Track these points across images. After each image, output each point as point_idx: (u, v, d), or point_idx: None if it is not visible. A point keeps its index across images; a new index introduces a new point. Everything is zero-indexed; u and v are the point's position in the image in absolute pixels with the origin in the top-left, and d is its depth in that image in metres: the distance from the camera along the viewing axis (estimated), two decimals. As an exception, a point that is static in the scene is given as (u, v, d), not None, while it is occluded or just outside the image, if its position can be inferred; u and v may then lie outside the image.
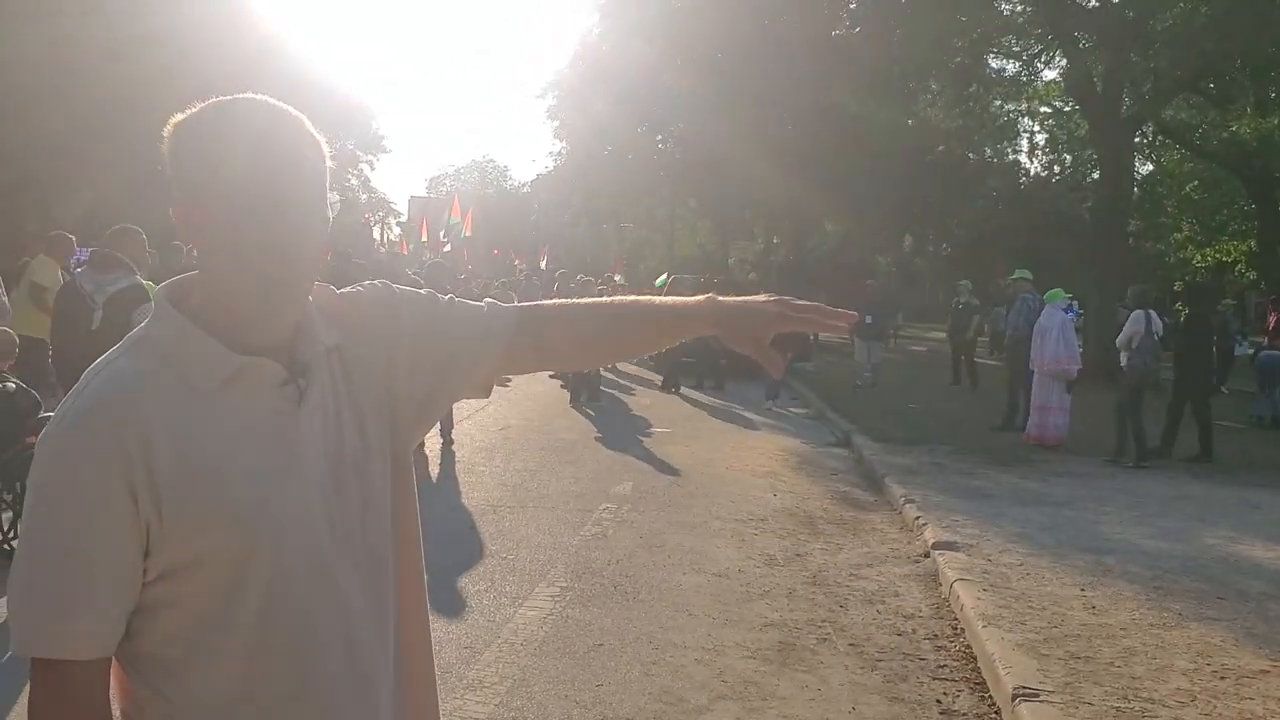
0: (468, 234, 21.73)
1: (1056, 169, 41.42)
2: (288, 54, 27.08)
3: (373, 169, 59.23)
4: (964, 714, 4.75)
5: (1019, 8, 21.82)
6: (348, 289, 1.56)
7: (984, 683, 5.09)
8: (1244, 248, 35.65)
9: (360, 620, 1.43)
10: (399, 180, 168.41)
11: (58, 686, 1.30)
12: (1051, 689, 4.70)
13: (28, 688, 1.34)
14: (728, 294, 1.68)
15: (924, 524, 7.89)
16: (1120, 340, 11.35)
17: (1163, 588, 6.46)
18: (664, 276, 27.21)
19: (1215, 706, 4.60)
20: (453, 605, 5.83)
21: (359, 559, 1.44)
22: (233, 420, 1.35)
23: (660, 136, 35.87)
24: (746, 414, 14.87)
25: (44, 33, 18.51)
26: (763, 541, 7.56)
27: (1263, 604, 6.21)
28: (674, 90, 29.12)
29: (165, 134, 1.37)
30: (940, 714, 4.73)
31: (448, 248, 27.39)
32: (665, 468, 10.32)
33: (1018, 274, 14.50)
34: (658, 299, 1.69)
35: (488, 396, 1.77)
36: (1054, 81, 27.72)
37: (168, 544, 1.31)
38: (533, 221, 67.42)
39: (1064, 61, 21.30)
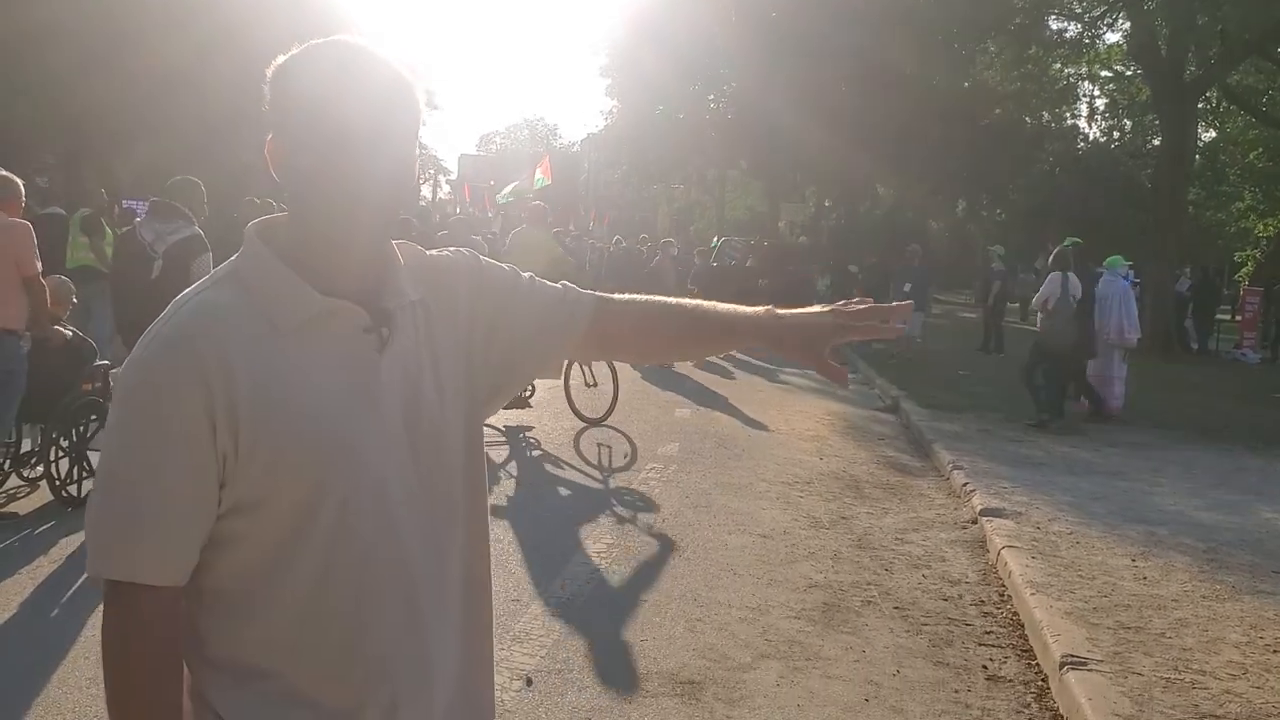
0: (547, 181, 21.77)
1: (1116, 135, 40.54)
2: (340, 13, 27.17)
3: (424, 125, 59.38)
4: (1010, 680, 4.73)
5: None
6: (435, 251, 1.59)
7: (1031, 650, 5.05)
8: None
9: (421, 564, 1.44)
10: (450, 138, 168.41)
11: (128, 611, 1.32)
12: (1100, 658, 4.65)
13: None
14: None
15: (972, 490, 7.83)
16: (1035, 302, 11.39)
17: (1216, 560, 6.37)
18: (717, 239, 27.06)
19: (1268, 680, 4.54)
20: (501, 558, 5.89)
21: (426, 507, 1.45)
22: (313, 360, 1.37)
23: (712, 96, 35.57)
24: (794, 378, 14.80)
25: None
26: (808, 504, 7.55)
27: (1319, 579, 6.11)
28: (727, 49, 28.83)
29: (266, 74, 1.38)
30: (986, 679, 4.71)
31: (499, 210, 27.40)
32: (711, 429, 10.31)
33: (1067, 241, 14.28)
34: (720, 306, 1.67)
35: (558, 378, 1.79)
36: (1116, 45, 27.05)
37: (242, 477, 1.32)
38: (583, 180, 67.33)
39: (1127, 24, 20.76)
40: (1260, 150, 31.22)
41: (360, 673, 1.39)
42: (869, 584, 5.85)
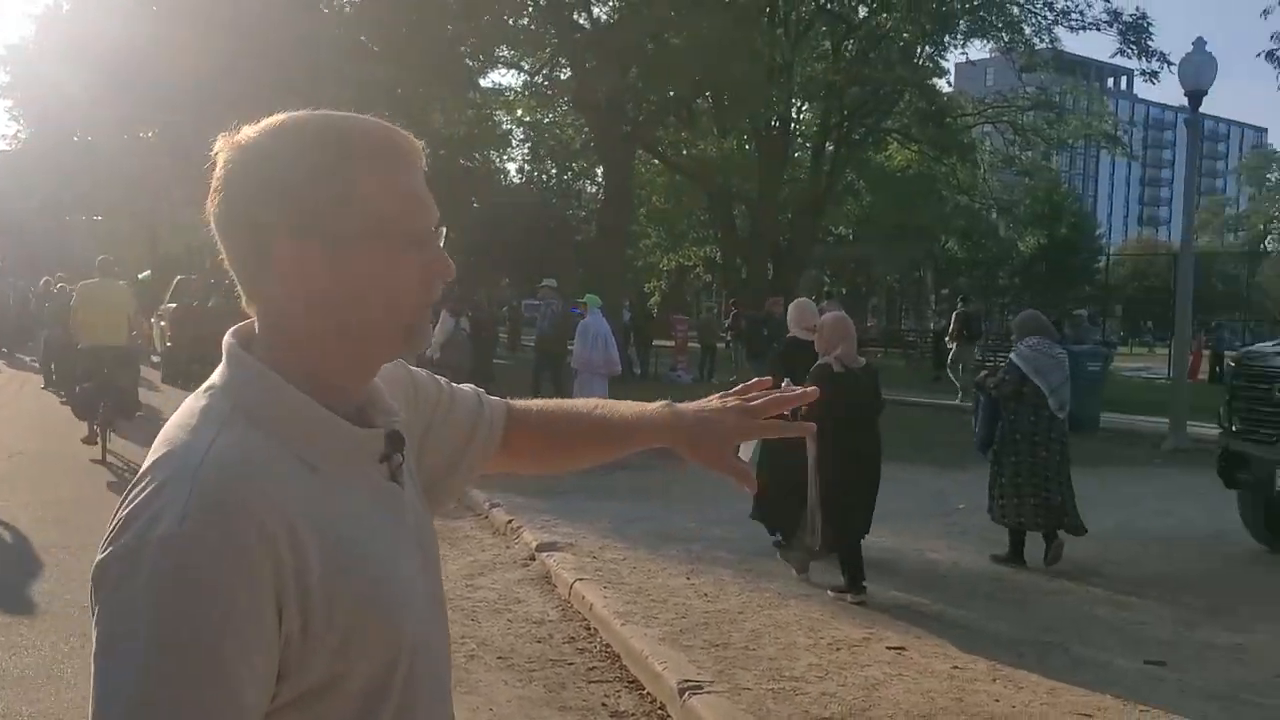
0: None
1: (544, 178, 43.51)
2: None
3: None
4: (633, 713, 4.89)
5: (524, 22, 22.64)
6: None
7: (637, 680, 5.25)
8: (702, 254, 40.07)
9: (448, 700, 1.27)
10: None
11: None
12: (711, 679, 4.96)
13: None
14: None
15: (519, 527, 7.98)
16: (435, 341, 12.80)
17: (753, 569, 7.06)
18: (146, 272, 24.92)
19: (846, 677, 5.11)
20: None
21: (444, 636, 1.28)
22: (357, 504, 1.12)
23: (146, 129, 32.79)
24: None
25: None
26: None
27: (834, 575, 6.98)
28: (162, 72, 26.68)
29: (254, 154, 1.11)
30: (611, 716, 4.82)
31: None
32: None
33: (545, 282, 15.21)
34: (621, 405, 1.56)
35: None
36: (548, 93, 29.07)
37: (309, 664, 1.03)
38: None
39: (569, 75, 22.49)
40: (659, 193, 35.03)
41: None
42: (465, 637, 5.72)
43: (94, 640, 0.99)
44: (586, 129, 22.63)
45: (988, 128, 34.41)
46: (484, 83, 28.90)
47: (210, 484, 1.00)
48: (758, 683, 4.98)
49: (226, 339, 1.16)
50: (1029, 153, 35.18)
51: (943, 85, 29.76)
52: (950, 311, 27.44)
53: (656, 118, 21.25)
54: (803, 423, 1.63)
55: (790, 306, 8.25)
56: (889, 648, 5.55)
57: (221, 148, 1.13)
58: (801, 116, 31.66)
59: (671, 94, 20.32)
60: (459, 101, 26.54)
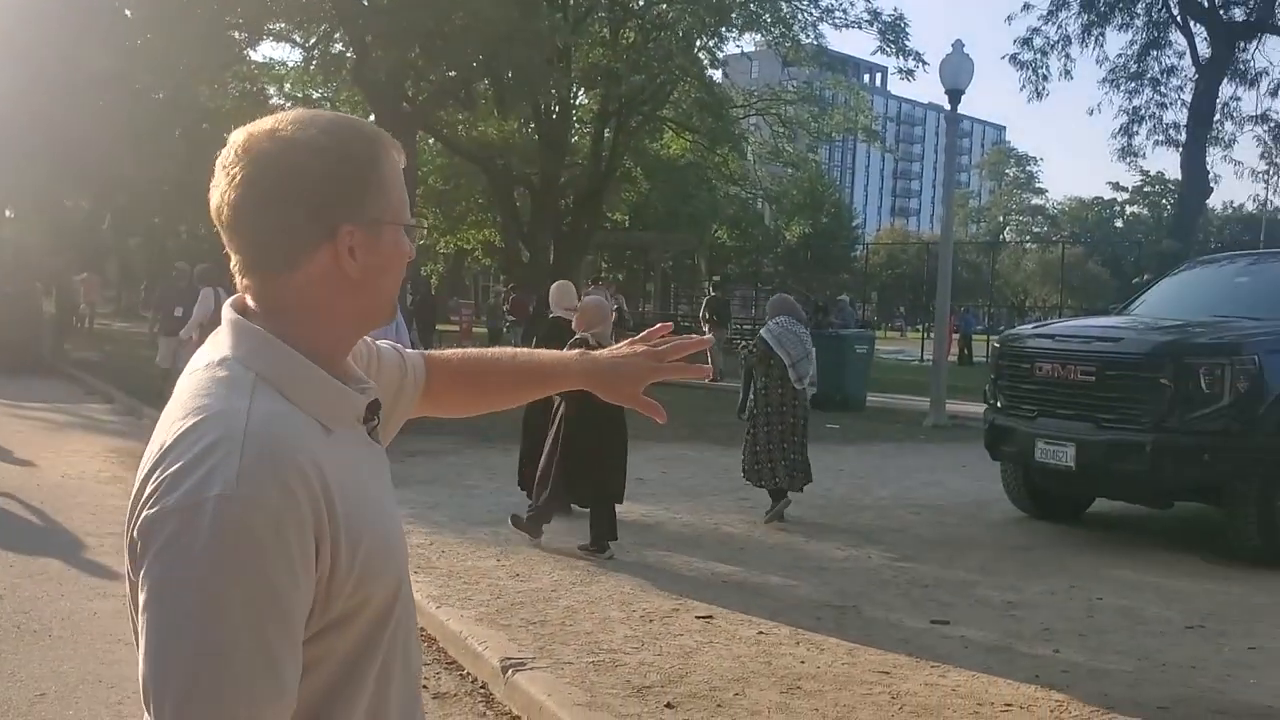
0: None
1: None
2: None
3: None
4: (455, 694, 4.92)
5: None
6: None
7: (456, 661, 5.28)
8: (480, 237, 39.77)
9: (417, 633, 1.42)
10: None
11: None
12: (532, 655, 5.03)
13: None
14: None
15: (317, 515, 7.78)
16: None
17: (560, 549, 7.15)
18: None
19: (661, 646, 5.29)
20: None
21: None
22: (358, 459, 1.27)
23: None
24: (47, 413, 13.16)
25: None
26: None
27: (639, 551, 7.18)
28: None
29: (303, 146, 1.22)
30: (433, 698, 4.82)
31: None
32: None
33: (199, 266, 14.70)
34: (538, 353, 1.77)
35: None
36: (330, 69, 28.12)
37: (334, 597, 1.17)
38: None
39: (350, 53, 21.81)
40: (436, 174, 34.48)
41: None
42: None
43: (144, 589, 1.07)
44: (366, 106, 22.00)
45: (756, 119, 35.65)
46: (256, 56, 27.80)
47: (259, 445, 1.11)
48: (578, 656, 5.09)
49: (228, 313, 1.25)
50: (794, 145, 36.71)
51: (718, 77, 30.57)
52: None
53: (437, 98, 20.93)
54: (701, 366, 1.79)
55: (552, 288, 8.99)
56: (698, 617, 5.77)
57: (250, 136, 1.22)
58: (579, 102, 31.89)
59: (453, 74, 20.02)
60: (225, 73, 25.37)
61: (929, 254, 49.87)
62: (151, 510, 1.07)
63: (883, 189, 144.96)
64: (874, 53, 29.01)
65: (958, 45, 15.55)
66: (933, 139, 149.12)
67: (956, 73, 15.42)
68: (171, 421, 1.15)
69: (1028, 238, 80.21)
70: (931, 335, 37.26)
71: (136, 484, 1.13)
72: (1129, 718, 4.52)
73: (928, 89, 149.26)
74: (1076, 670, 5.13)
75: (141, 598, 1.07)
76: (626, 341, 1.73)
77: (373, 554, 1.19)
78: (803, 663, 5.12)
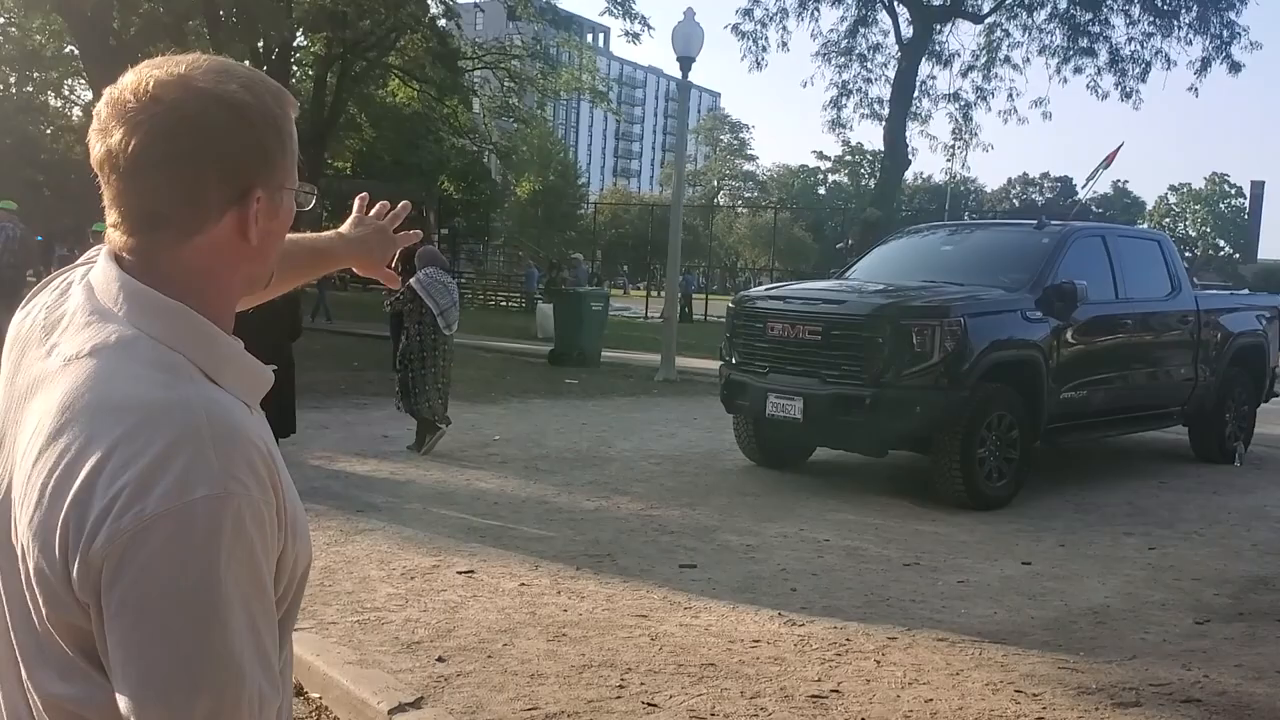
0: None
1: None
2: None
3: None
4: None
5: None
6: None
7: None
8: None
9: None
10: None
11: None
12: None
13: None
14: None
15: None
16: None
17: (309, 511, 6.98)
18: None
19: (425, 603, 5.32)
20: None
21: None
22: (270, 435, 1.21)
23: None
24: None
25: None
26: None
27: (392, 510, 7.15)
28: None
29: (221, 101, 1.14)
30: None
31: None
32: None
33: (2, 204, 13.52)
34: (299, 236, 1.78)
35: None
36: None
37: (281, 579, 1.15)
38: None
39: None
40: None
41: None
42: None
43: (127, 606, 1.00)
44: (67, 37, 20.16)
45: (485, 73, 35.33)
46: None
47: (225, 437, 1.06)
48: (342, 616, 5.06)
49: (123, 278, 1.14)
50: (523, 101, 36.66)
51: (452, 28, 30.02)
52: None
53: (147, 33, 19.47)
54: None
55: None
56: (459, 572, 5.84)
57: (158, 81, 1.12)
58: (299, 44, 30.52)
59: (162, 9, 18.69)
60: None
61: (652, 215, 51.26)
62: (123, 521, 0.99)
63: (605, 149, 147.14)
64: (602, 14, 29.39)
65: (689, 13, 16.02)
66: (653, 102, 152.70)
67: (688, 40, 15.91)
68: (95, 414, 1.05)
69: (740, 202, 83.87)
70: (657, 293, 38.48)
71: (47, 488, 1.03)
72: (864, 649, 4.98)
73: (649, 52, 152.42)
74: (813, 606, 5.58)
75: (124, 616, 0.99)
76: (352, 219, 1.88)
77: (301, 530, 1.18)
78: (565, 611, 5.31)
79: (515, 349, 19.33)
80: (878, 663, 4.80)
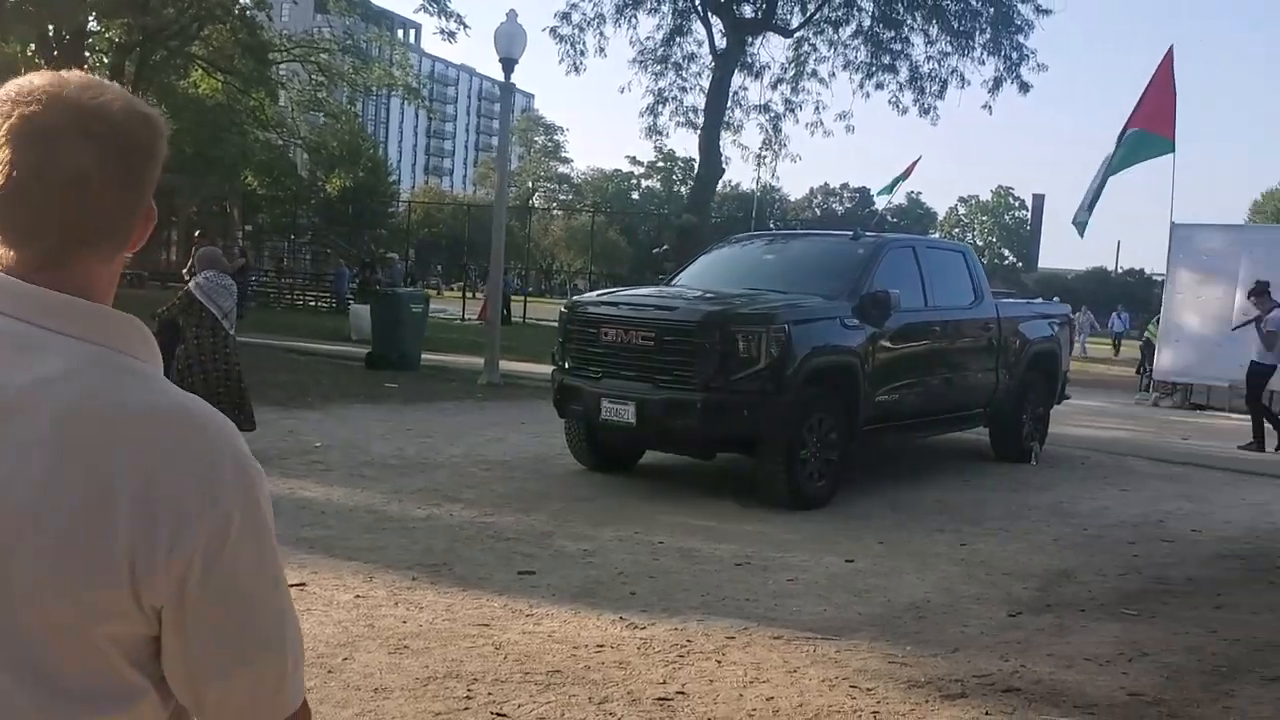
0: None
1: None
2: None
3: None
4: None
5: None
6: None
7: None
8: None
9: None
10: None
11: None
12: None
13: None
14: None
15: None
16: None
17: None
18: None
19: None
20: None
21: None
22: None
23: None
24: None
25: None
26: None
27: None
28: None
29: (140, 119, 1.17)
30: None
31: None
32: None
33: None
34: None
35: None
36: None
37: None
38: None
39: None
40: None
41: None
42: None
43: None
44: None
45: (294, 66, 34.26)
46: None
47: (231, 426, 1.19)
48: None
49: (75, 301, 1.13)
50: (333, 96, 35.71)
51: (263, 19, 28.94)
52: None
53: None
54: None
55: None
56: (291, 585, 5.62)
57: (102, 102, 1.12)
58: (94, 31, 28.88)
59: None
60: None
61: (468, 215, 50.70)
62: (206, 520, 1.09)
63: (417, 147, 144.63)
64: (417, 10, 28.87)
65: (511, 15, 15.97)
66: (465, 100, 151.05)
67: (510, 41, 15.84)
68: (114, 430, 1.09)
69: (554, 205, 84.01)
70: (473, 295, 38.11)
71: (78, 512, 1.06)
72: (705, 649, 5.09)
73: (461, 51, 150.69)
74: (653, 608, 5.67)
75: (224, 600, 1.11)
76: None
77: None
78: (405, 622, 5.21)
79: (329, 351, 18.76)
80: (718, 662, 4.91)
